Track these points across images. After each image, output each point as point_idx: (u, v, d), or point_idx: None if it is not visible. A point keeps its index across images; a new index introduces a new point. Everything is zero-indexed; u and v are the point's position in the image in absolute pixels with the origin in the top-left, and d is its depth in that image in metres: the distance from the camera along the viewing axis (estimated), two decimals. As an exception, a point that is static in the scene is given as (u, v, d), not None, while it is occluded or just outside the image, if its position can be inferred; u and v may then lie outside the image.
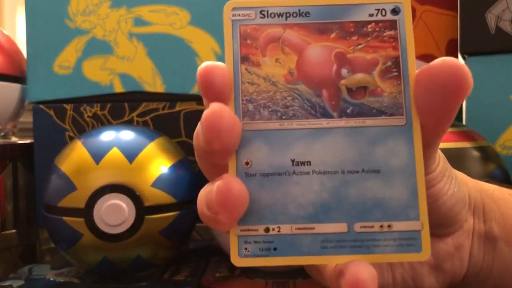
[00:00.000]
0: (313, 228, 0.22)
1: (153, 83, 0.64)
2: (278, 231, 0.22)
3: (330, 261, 0.22)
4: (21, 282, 0.52)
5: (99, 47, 0.64)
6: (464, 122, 0.63)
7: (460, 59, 0.64)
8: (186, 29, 0.63)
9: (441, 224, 0.27)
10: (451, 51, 0.64)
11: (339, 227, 0.22)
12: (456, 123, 0.51)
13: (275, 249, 0.22)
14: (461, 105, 0.64)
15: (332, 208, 0.22)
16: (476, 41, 0.60)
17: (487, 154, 0.48)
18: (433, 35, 0.63)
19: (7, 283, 0.52)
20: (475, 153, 0.47)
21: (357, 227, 0.22)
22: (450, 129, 0.49)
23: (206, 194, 0.22)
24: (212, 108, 0.21)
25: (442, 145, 0.47)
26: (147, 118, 0.63)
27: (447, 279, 0.28)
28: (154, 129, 0.57)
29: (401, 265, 0.28)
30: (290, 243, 0.22)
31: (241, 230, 0.22)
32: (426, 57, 0.63)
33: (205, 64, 0.22)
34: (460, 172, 0.29)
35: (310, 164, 0.22)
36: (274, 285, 0.48)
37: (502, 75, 0.60)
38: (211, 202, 0.21)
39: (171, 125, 0.63)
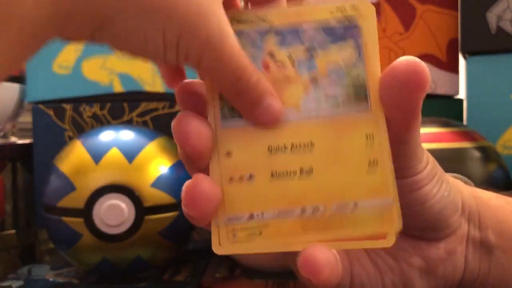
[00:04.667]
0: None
1: (153, 83, 0.63)
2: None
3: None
4: (20, 283, 0.52)
5: (98, 47, 0.63)
6: (464, 122, 0.63)
7: (461, 59, 0.64)
8: (186, 29, 0.63)
9: (430, 227, 0.27)
10: (452, 51, 0.64)
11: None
12: (456, 123, 0.51)
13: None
14: (462, 105, 0.64)
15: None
16: (477, 40, 0.60)
17: (487, 154, 0.48)
18: (433, 35, 0.63)
19: (7, 283, 0.52)
20: (476, 153, 0.47)
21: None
22: (450, 129, 0.49)
23: (182, 191, 0.24)
24: (179, 116, 0.23)
25: (443, 145, 0.47)
26: (147, 118, 0.63)
27: (439, 284, 0.28)
28: (153, 129, 0.56)
29: (390, 270, 0.27)
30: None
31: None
32: (426, 57, 0.63)
33: (182, 82, 0.24)
34: (456, 180, 0.29)
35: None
36: (274, 286, 0.48)
37: (502, 75, 0.60)
38: (182, 199, 0.23)
39: (170, 125, 0.63)
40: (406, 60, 0.23)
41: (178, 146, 0.23)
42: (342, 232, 0.23)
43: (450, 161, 0.47)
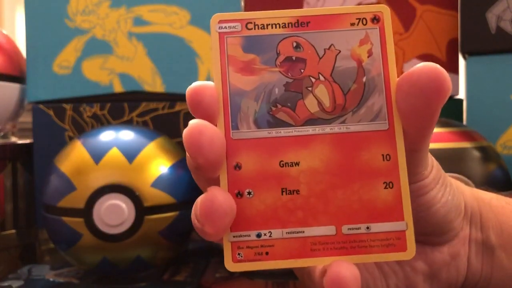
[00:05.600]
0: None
1: (153, 83, 0.64)
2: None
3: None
4: (20, 283, 0.52)
5: (98, 47, 0.64)
6: (464, 122, 0.63)
7: (461, 59, 0.64)
8: (186, 29, 0.63)
9: (435, 232, 0.27)
10: (452, 51, 0.64)
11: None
12: (456, 123, 0.51)
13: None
14: (462, 105, 0.64)
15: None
16: (477, 41, 0.60)
17: (487, 154, 0.48)
18: (433, 35, 0.63)
19: (7, 283, 0.52)
20: (476, 153, 0.47)
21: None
22: (450, 129, 0.49)
23: (195, 205, 0.23)
24: (191, 126, 0.22)
25: (443, 145, 0.47)
26: (147, 118, 0.63)
27: (442, 287, 0.28)
28: (153, 129, 0.56)
29: (394, 274, 0.27)
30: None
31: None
32: (426, 57, 0.63)
33: (194, 84, 0.23)
34: (457, 181, 0.29)
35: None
36: (274, 286, 0.48)
37: (502, 75, 0.60)
38: (197, 214, 0.22)
39: (170, 125, 0.63)
40: (426, 65, 0.22)
41: (189, 156, 0.22)
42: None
43: (450, 161, 0.47)
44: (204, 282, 0.50)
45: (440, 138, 0.48)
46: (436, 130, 0.48)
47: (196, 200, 0.23)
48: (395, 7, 0.63)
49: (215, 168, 0.22)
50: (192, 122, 0.22)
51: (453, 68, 0.63)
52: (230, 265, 0.22)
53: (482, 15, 0.60)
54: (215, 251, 0.61)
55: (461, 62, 0.64)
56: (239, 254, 0.22)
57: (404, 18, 0.63)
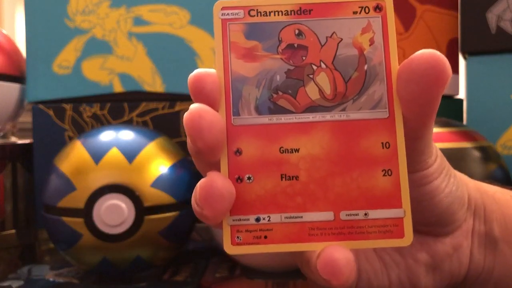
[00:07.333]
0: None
1: (153, 83, 0.63)
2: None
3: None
4: (20, 283, 0.52)
5: (98, 47, 0.64)
6: (464, 122, 0.63)
7: (461, 59, 0.64)
8: (186, 29, 0.63)
9: (438, 222, 0.27)
10: (452, 51, 0.64)
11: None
12: (456, 123, 0.51)
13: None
14: (462, 105, 0.64)
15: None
16: (477, 40, 0.60)
17: (487, 154, 0.48)
18: (433, 35, 0.63)
19: (7, 283, 0.52)
20: (476, 153, 0.47)
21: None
22: (450, 129, 0.49)
23: (195, 189, 0.23)
24: (191, 110, 0.22)
25: (443, 145, 0.47)
26: (147, 118, 0.63)
27: (445, 279, 0.28)
28: (153, 129, 0.56)
29: (396, 265, 0.27)
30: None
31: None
32: (426, 57, 0.63)
33: (196, 72, 0.23)
34: (461, 174, 0.29)
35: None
36: (274, 286, 0.48)
37: (502, 75, 0.60)
38: (196, 198, 0.22)
39: (170, 125, 0.63)
40: (425, 52, 0.22)
41: (189, 140, 0.23)
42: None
43: (450, 161, 0.46)
44: (204, 282, 0.50)
45: (440, 138, 0.47)
46: (436, 130, 0.48)
47: (196, 185, 0.23)
48: (395, 7, 0.63)
49: (215, 152, 0.23)
50: (192, 106, 0.22)
51: (453, 68, 0.63)
52: (229, 248, 0.23)
53: (482, 15, 0.60)
54: (215, 251, 0.61)
55: (461, 62, 0.64)
56: (238, 237, 0.23)
57: (404, 18, 0.63)
